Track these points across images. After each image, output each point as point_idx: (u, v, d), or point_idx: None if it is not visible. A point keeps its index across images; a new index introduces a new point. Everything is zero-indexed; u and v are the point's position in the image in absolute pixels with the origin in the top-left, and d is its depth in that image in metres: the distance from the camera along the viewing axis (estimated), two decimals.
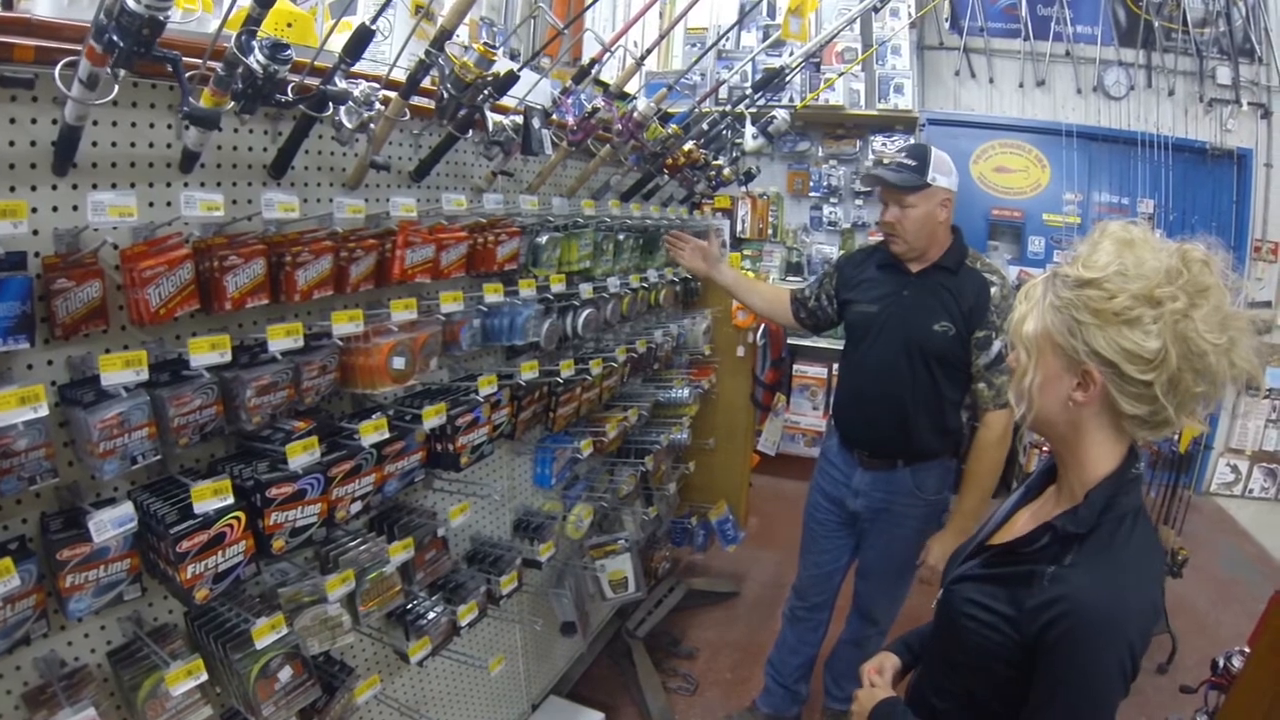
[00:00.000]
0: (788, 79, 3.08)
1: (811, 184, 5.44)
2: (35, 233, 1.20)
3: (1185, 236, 1.05)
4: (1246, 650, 2.19)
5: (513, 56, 3.62)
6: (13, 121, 1.16)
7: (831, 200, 5.40)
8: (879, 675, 1.46)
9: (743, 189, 4.57)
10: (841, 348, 2.67)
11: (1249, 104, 4.94)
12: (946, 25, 5.09)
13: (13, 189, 1.17)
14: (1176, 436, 3.57)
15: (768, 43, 4.59)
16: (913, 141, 2.34)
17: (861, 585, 2.71)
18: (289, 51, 1.21)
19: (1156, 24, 4.84)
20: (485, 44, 1.50)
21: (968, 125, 5.19)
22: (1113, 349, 1.01)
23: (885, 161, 2.31)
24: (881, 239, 2.47)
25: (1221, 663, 2.29)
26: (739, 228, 5.80)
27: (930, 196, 2.24)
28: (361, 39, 1.35)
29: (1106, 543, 1.06)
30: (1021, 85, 5.14)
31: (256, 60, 1.17)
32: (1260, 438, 5.40)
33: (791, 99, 4.68)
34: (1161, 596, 1.14)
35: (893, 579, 2.62)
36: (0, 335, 1.12)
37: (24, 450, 1.14)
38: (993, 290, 2.30)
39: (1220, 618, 3.90)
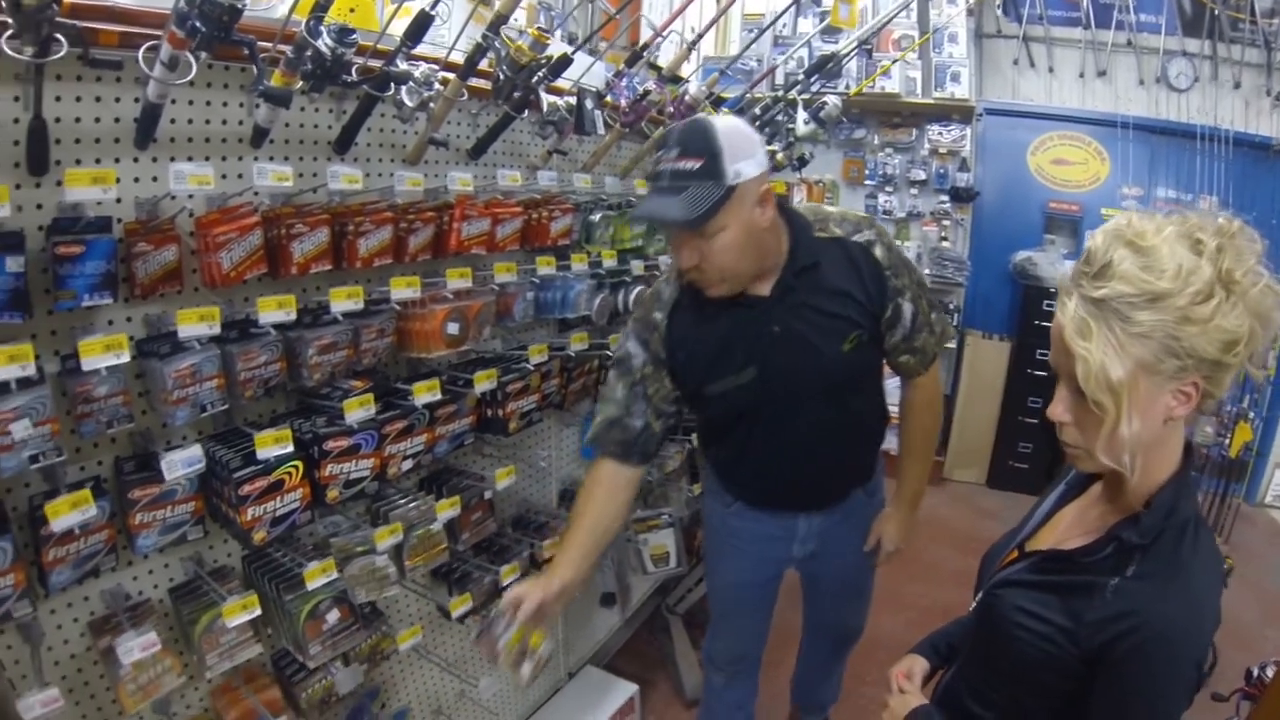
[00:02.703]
0: (840, 65, 3.05)
1: (867, 172, 5.39)
2: (118, 200, 1.31)
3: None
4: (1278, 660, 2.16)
5: (570, 40, 3.69)
6: (98, 100, 1.27)
7: (887, 189, 5.35)
8: (908, 680, 1.40)
9: (797, 174, 4.56)
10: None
11: None
12: (999, 12, 4.97)
13: (98, 161, 1.28)
14: (1227, 441, 3.48)
15: (819, 28, 4.56)
16: (686, 120, 1.56)
17: (825, 613, 2.34)
18: (354, 35, 1.30)
19: (1223, 14, 4.67)
20: (539, 28, 1.55)
21: (1026, 116, 5.06)
22: (1217, 347, 0.92)
23: (656, 175, 1.53)
24: (672, 276, 1.77)
25: (1256, 672, 2.26)
26: None
27: (739, 204, 1.49)
28: (422, 24, 1.44)
29: (1172, 553, 1.00)
30: (1082, 75, 4.99)
31: (325, 44, 1.26)
32: None
33: (848, 86, 4.66)
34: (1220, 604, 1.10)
35: (858, 589, 2.27)
36: (87, 291, 1.23)
37: (103, 397, 1.26)
38: (877, 252, 1.71)
39: (1266, 633, 3.74)
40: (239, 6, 1.10)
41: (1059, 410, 1.03)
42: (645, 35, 2.16)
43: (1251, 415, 3.66)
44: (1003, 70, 5.14)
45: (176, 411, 1.33)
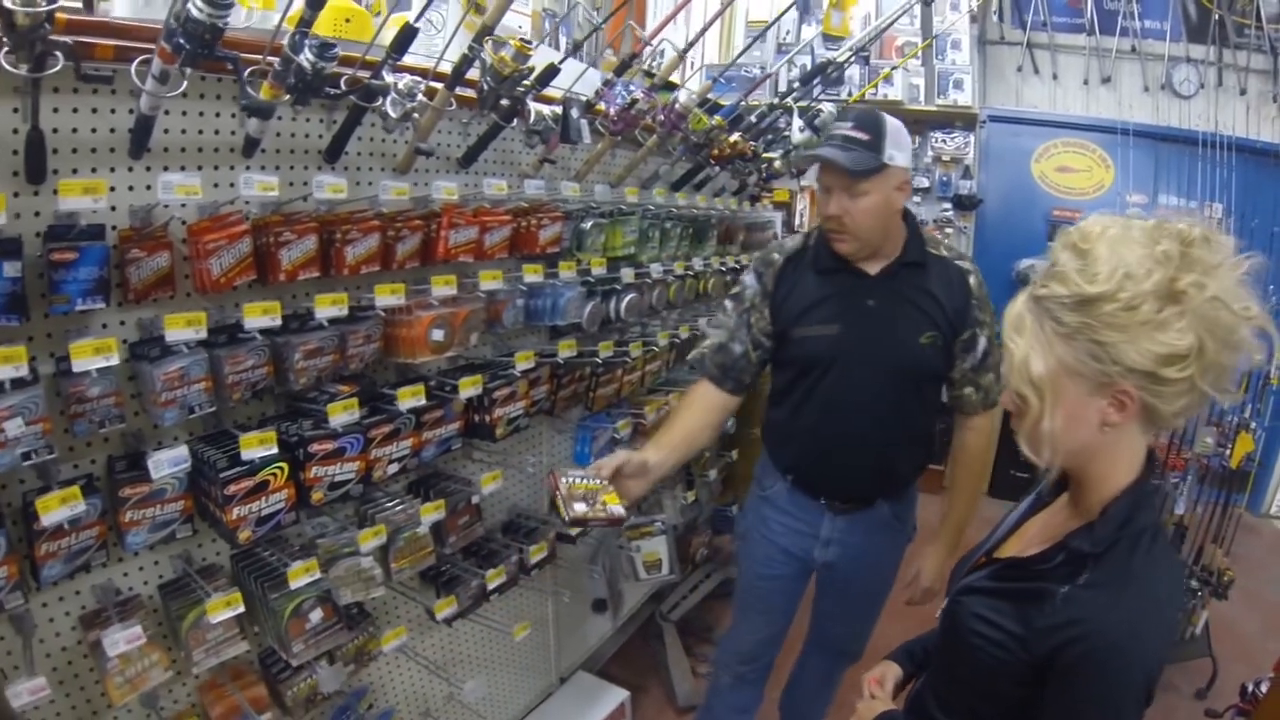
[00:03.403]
0: (835, 72, 3.07)
1: None
2: (113, 209, 1.35)
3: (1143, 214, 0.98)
4: (1273, 675, 2.15)
5: (575, 48, 3.71)
6: (94, 111, 1.32)
7: None
8: (880, 686, 1.42)
9: (797, 182, 4.57)
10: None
11: None
12: (995, 18, 4.97)
13: (94, 170, 1.33)
14: (1228, 451, 3.45)
15: (813, 36, 4.57)
16: (865, 106, 1.96)
17: (829, 625, 2.36)
18: (335, 50, 1.34)
19: (1229, 19, 4.65)
20: (522, 39, 1.59)
21: (1030, 123, 5.07)
22: (1149, 359, 0.91)
23: (830, 136, 1.83)
24: (806, 235, 2.04)
25: (1250, 688, 2.26)
26: (798, 221, 5.80)
27: (886, 180, 1.78)
28: (407, 36, 1.48)
29: (1124, 562, 0.99)
30: (1086, 82, 4.99)
31: (306, 58, 1.30)
32: None
33: (850, 93, 4.68)
34: (1177, 618, 1.05)
35: (866, 610, 2.30)
36: (80, 296, 1.27)
37: (96, 397, 1.30)
38: (971, 281, 1.94)
39: (1268, 645, 3.65)
40: (220, 25, 1.14)
41: (1005, 398, 1.07)
42: (635, 44, 2.20)
43: (1254, 426, 3.63)
44: (1006, 77, 5.14)
45: (165, 413, 1.37)
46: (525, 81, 1.70)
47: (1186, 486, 3.30)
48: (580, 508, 1.54)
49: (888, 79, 4.69)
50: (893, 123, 1.81)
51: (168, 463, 1.34)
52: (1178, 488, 3.28)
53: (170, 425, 1.40)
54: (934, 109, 4.93)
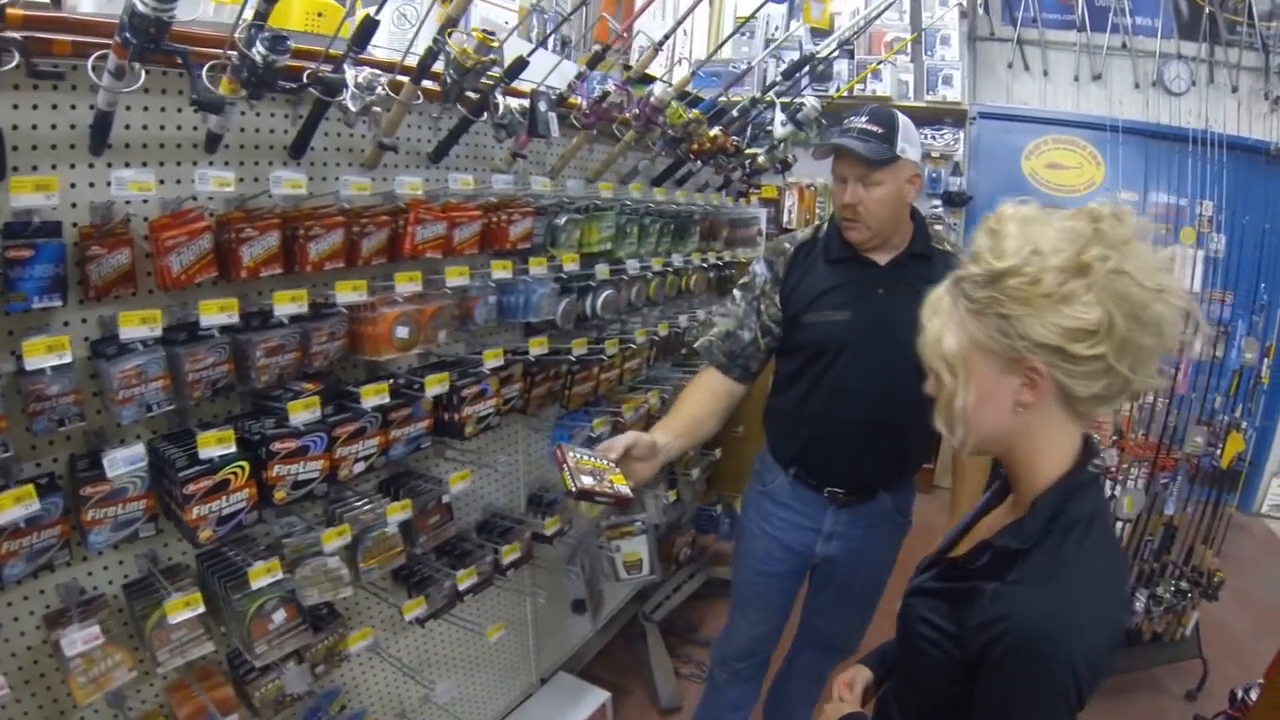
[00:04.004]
0: (821, 67, 3.05)
1: None
2: (74, 205, 1.34)
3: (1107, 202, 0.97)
4: (1263, 682, 2.13)
5: (564, 44, 3.67)
6: (55, 108, 1.31)
7: None
8: (849, 690, 1.42)
9: (781, 178, 4.55)
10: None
11: None
12: (984, 13, 4.96)
13: (54, 166, 1.32)
14: (1219, 451, 3.44)
15: (794, 28, 4.55)
16: (873, 105, 2.00)
17: (823, 622, 2.36)
18: (288, 43, 1.32)
19: (1220, 16, 4.64)
20: (485, 31, 1.57)
21: (1020, 120, 5.06)
22: (1055, 333, 0.92)
23: (845, 129, 1.91)
24: (816, 226, 2.10)
25: (1240, 694, 2.24)
26: (786, 218, 5.78)
27: (899, 172, 1.87)
28: (367, 28, 1.46)
29: (1053, 556, 0.98)
30: (1077, 79, 4.98)
31: (259, 51, 1.28)
32: None
33: (838, 88, 4.66)
34: (1122, 611, 1.03)
35: (864, 605, 2.31)
36: (36, 294, 1.26)
37: (55, 395, 1.29)
38: None
39: (1259, 647, 3.62)
40: (165, 19, 1.13)
41: (929, 384, 1.08)
42: (639, 39, 2.17)
43: (1245, 425, 3.63)
44: (996, 73, 5.13)
45: (123, 410, 1.35)
46: (491, 74, 1.68)
47: (1176, 487, 3.28)
48: (588, 480, 1.49)
49: (876, 74, 4.67)
50: (904, 119, 1.90)
51: (123, 461, 1.33)
52: (1168, 488, 3.26)
53: (129, 423, 1.38)
54: (923, 105, 4.92)
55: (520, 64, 1.74)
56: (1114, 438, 3.28)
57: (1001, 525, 1.09)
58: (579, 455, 1.56)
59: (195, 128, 1.49)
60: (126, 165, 1.39)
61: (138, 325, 1.33)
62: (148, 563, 1.52)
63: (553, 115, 1.91)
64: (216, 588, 1.54)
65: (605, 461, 1.60)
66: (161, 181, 1.43)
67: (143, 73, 1.23)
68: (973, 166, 5.12)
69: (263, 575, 1.50)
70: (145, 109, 1.42)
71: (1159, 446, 3.33)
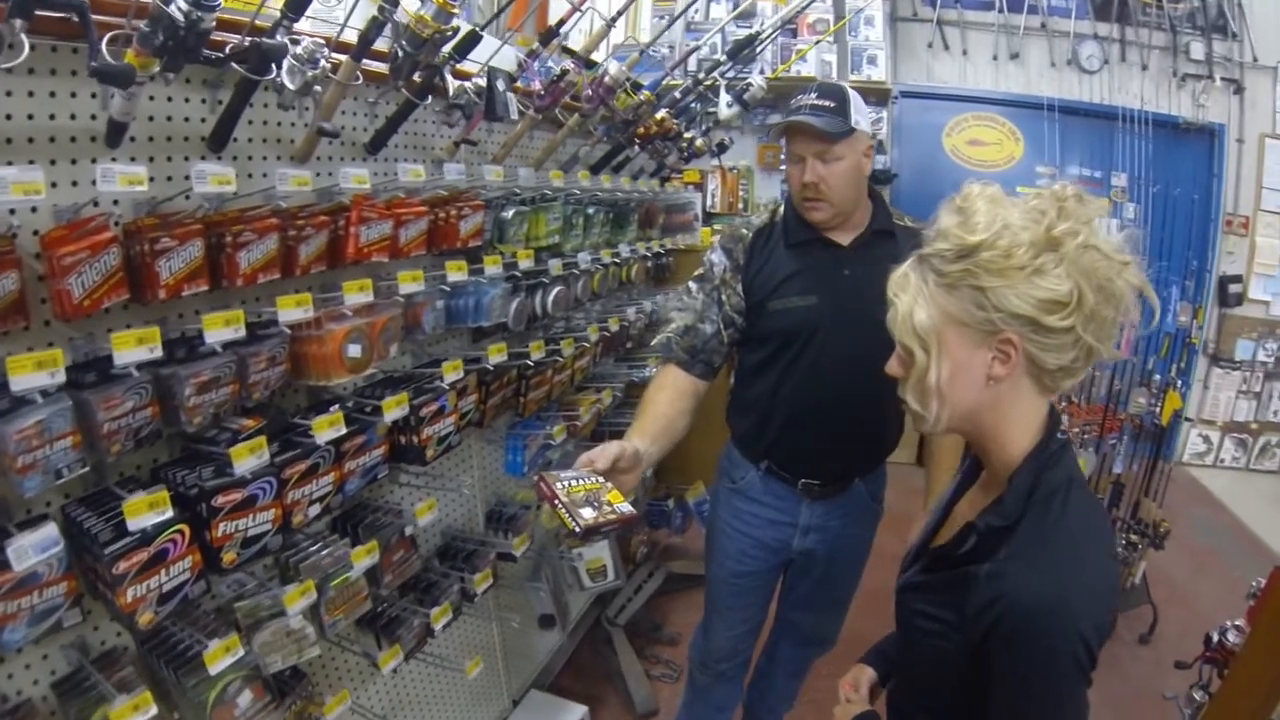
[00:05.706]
0: (759, 49, 2.96)
1: (782, 157, 5.33)
2: None
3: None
4: (1239, 624, 2.14)
5: (498, 14, 3.44)
6: None
7: None
8: (855, 691, 1.39)
9: (714, 161, 4.45)
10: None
11: (1222, 79, 4.96)
12: None
13: None
14: (1158, 409, 3.57)
15: (736, 12, 4.46)
16: (819, 81, 1.99)
17: (802, 615, 2.30)
18: (216, 2, 1.06)
19: None
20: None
21: (941, 98, 5.14)
22: (1030, 304, 0.93)
23: (797, 107, 1.81)
24: (772, 210, 2.01)
25: (1216, 637, 2.24)
26: (709, 202, 5.68)
27: (856, 144, 1.79)
28: None
29: (1039, 527, 0.99)
30: (995, 58, 5.09)
31: (177, 8, 1.03)
32: (1231, 408, 5.48)
33: (762, 70, 4.57)
34: (1113, 568, 1.05)
35: (842, 596, 2.26)
36: None
37: None
38: None
39: (1199, 588, 3.92)
40: None
41: (893, 365, 1.08)
42: (556, 16, 1.97)
43: (1179, 384, 3.80)
44: (918, 53, 5.18)
45: (24, 480, 1.08)
46: (444, 49, 1.46)
47: (1123, 446, 3.39)
48: (588, 514, 1.29)
49: (802, 57, 4.61)
50: (853, 91, 1.83)
51: (33, 549, 1.05)
52: (1115, 448, 3.38)
53: (34, 494, 1.11)
54: (848, 85, 4.88)
55: (473, 38, 1.53)
56: (1062, 403, 3.35)
57: (980, 506, 1.09)
58: (567, 483, 1.36)
59: (93, 116, 1.22)
60: (9, 163, 1.10)
61: (33, 371, 1.05)
62: (77, 654, 1.25)
63: (511, 96, 1.70)
64: (165, 673, 1.28)
65: (595, 480, 1.40)
66: (54, 184, 1.16)
67: (27, 45, 0.98)
68: (895, 145, 5.16)
69: (221, 656, 1.25)
70: (30, 94, 1.14)
71: (1105, 410, 3.42)
